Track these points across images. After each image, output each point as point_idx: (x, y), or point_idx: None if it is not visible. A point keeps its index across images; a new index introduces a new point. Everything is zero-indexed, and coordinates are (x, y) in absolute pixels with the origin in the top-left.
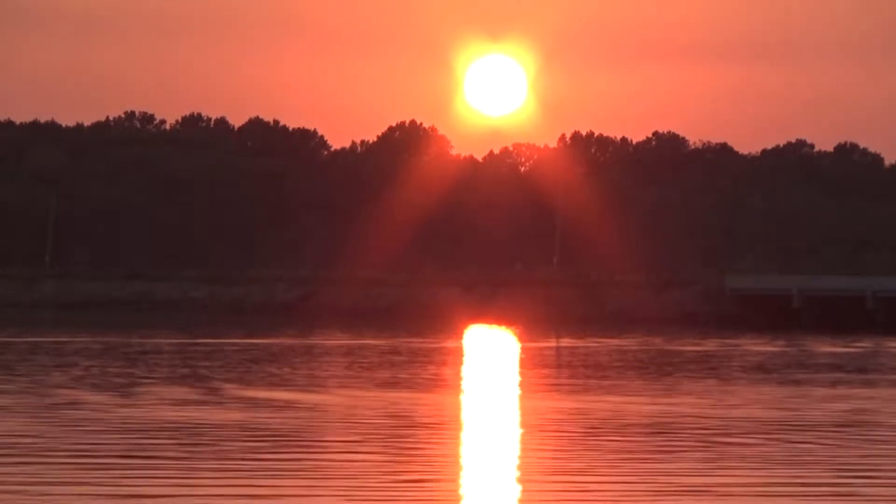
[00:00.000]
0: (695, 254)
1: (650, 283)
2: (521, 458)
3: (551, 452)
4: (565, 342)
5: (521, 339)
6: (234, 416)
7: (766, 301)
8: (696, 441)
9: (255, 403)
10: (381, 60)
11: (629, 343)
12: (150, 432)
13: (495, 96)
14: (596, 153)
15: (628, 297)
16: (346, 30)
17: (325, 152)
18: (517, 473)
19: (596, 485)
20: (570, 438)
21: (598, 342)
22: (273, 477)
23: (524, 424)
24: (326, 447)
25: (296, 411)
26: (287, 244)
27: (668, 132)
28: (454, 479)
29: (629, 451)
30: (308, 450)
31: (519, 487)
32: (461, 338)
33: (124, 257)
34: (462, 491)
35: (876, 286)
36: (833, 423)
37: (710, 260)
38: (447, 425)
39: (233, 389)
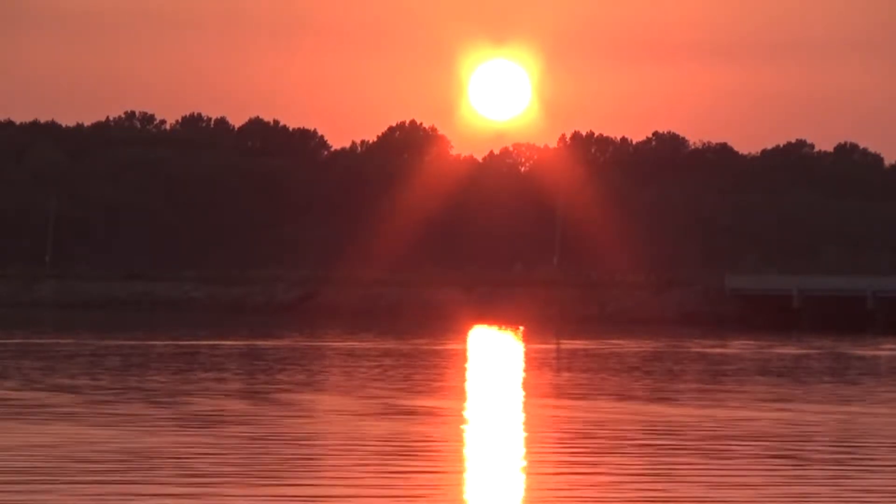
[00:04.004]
0: (695, 254)
1: (650, 283)
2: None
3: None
4: (599, 345)
5: (534, 341)
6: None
7: (766, 301)
8: None
9: (431, 413)
10: (383, 62)
11: (654, 345)
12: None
13: (499, 100)
14: (596, 153)
15: (628, 297)
16: (347, 31)
17: (325, 152)
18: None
19: None
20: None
21: (619, 344)
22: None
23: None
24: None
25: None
26: (287, 244)
27: (668, 132)
28: None
29: None
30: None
31: None
32: (472, 339)
33: (124, 257)
34: None
35: (876, 286)
36: None
37: (710, 260)
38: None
39: (389, 398)
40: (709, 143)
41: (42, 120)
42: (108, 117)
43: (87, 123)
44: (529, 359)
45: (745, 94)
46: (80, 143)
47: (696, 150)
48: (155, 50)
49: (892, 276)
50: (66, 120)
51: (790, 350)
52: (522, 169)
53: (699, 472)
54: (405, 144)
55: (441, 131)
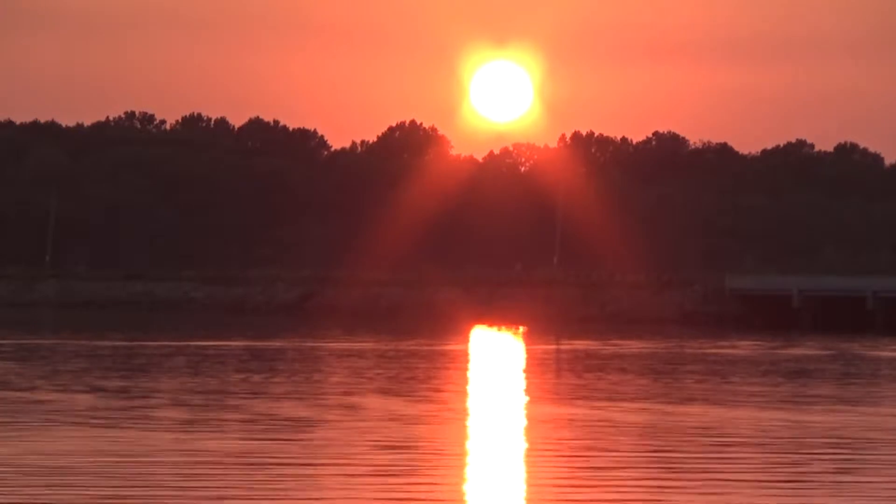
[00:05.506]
0: (695, 254)
1: (650, 283)
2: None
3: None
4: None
5: (535, 342)
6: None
7: (766, 301)
8: None
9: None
10: (384, 62)
11: (655, 346)
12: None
13: (500, 101)
14: (596, 153)
15: (628, 297)
16: (347, 31)
17: (325, 152)
18: None
19: None
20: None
21: (621, 345)
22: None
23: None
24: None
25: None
26: (287, 244)
27: (668, 132)
28: None
29: None
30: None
31: None
32: (473, 339)
33: (124, 257)
34: None
35: (876, 286)
36: None
37: (710, 260)
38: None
39: (440, 399)
40: (709, 143)
41: (42, 120)
42: (108, 117)
43: (87, 123)
44: (531, 360)
45: (745, 94)
46: (80, 143)
47: (696, 150)
48: (155, 50)
49: (892, 276)
50: (66, 120)
51: (796, 351)
52: (523, 169)
53: (700, 475)
54: (405, 144)
55: (441, 131)
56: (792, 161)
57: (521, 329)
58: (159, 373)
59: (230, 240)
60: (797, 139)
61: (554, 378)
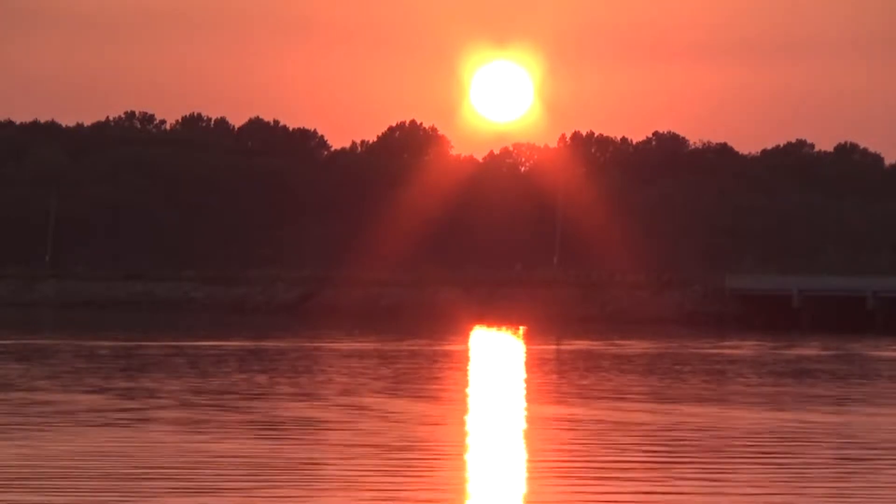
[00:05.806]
0: (695, 254)
1: (650, 283)
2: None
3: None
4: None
5: (535, 342)
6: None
7: (766, 301)
8: None
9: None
10: (384, 62)
11: (656, 346)
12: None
13: (500, 102)
14: (596, 153)
15: (628, 297)
16: (348, 31)
17: (325, 152)
18: None
19: None
20: None
21: (621, 345)
22: None
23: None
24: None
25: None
26: (287, 244)
27: (668, 132)
28: None
29: None
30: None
31: None
32: (474, 340)
33: (124, 257)
34: None
35: (876, 286)
36: None
37: (710, 260)
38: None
39: (441, 399)
40: (709, 143)
41: (42, 120)
42: (108, 117)
43: (87, 123)
44: (531, 360)
45: (745, 94)
46: (80, 143)
47: (696, 150)
48: (155, 50)
49: (892, 276)
50: (66, 120)
51: (797, 351)
52: (523, 169)
53: (703, 475)
54: (405, 144)
55: (441, 132)
56: (792, 161)
57: (522, 329)
58: (160, 373)
59: (230, 240)
60: (797, 139)
61: (555, 378)
